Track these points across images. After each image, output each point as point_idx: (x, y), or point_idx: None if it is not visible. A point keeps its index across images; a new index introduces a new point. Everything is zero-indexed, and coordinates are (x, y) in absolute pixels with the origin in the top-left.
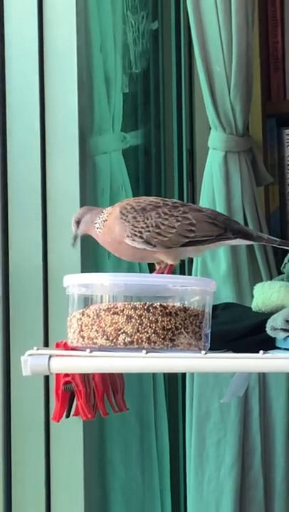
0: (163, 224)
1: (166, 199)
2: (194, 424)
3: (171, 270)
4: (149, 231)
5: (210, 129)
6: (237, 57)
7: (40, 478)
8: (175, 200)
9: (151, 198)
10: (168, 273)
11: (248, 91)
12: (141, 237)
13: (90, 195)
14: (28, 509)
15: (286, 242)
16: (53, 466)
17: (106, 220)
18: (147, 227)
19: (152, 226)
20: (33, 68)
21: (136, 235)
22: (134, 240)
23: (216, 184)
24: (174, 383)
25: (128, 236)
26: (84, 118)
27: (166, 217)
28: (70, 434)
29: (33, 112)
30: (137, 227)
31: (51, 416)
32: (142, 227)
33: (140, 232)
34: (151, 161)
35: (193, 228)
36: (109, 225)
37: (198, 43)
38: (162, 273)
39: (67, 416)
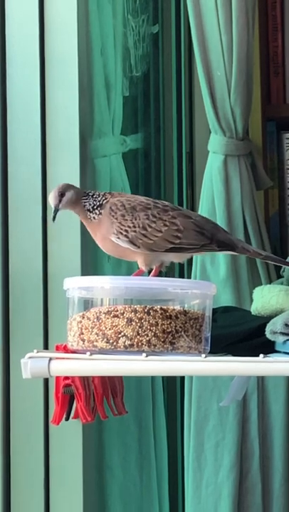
0: (150, 226)
1: (157, 201)
2: (193, 427)
3: (141, 274)
4: (135, 231)
5: (210, 132)
6: (237, 61)
7: (40, 480)
8: (166, 203)
9: (142, 198)
10: (136, 275)
11: (248, 95)
12: (126, 236)
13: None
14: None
15: (271, 256)
16: (52, 469)
17: (101, 214)
18: (134, 227)
19: (139, 227)
20: (34, 72)
21: (121, 233)
22: (118, 238)
23: (216, 188)
24: (173, 386)
25: (114, 233)
26: (84, 121)
27: (154, 219)
28: (70, 437)
29: (34, 115)
30: (123, 225)
31: (51, 419)
32: (129, 227)
33: (126, 231)
34: (151, 164)
35: (179, 235)
36: (101, 219)
37: (198, 46)
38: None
39: (67, 419)
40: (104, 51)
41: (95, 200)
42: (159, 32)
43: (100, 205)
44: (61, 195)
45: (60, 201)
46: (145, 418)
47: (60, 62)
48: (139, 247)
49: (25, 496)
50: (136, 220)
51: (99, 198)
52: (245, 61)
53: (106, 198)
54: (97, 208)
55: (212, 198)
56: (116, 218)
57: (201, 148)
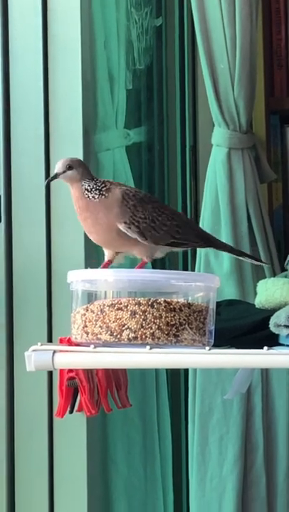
0: (157, 219)
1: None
2: (197, 420)
3: (143, 266)
4: (146, 223)
5: (213, 125)
6: (240, 54)
7: (44, 474)
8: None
9: (142, 191)
10: (139, 267)
11: (251, 88)
12: (137, 227)
13: None
14: (31, 505)
15: (244, 253)
16: (57, 462)
17: (106, 196)
18: (145, 218)
19: (149, 219)
20: (37, 65)
21: (133, 224)
22: (129, 228)
23: (219, 181)
24: (177, 380)
25: (125, 223)
26: (88, 114)
27: (160, 213)
28: (74, 430)
29: (37, 108)
30: (136, 216)
31: (55, 412)
32: (140, 218)
33: (138, 221)
34: (155, 157)
35: (179, 230)
36: (107, 203)
37: (201, 39)
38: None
39: (71, 412)
40: (107, 44)
41: (96, 184)
42: (162, 25)
43: (101, 188)
44: (69, 167)
45: (63, 172)
46: (149, 411)
47: (63, 56)
48: (146, 239)
49: (29, 489)
50: (146, 211)
51: (99, 183)
52: (248, 54)
53: (106, 185)
54: (97, 190)
55: (216, 192)
56: (129, 208)
57: (205, 141)
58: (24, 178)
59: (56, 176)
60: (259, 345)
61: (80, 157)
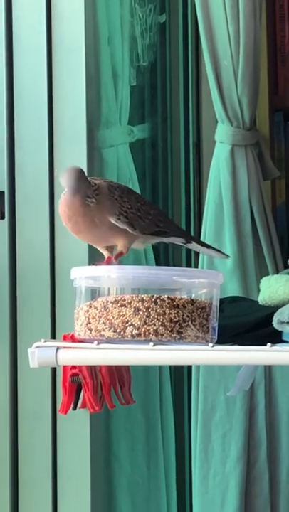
0: (142, 209)
1: None
2: (200, 417)
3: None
4: (132, 213)
5: (217, 122)
6: (244, 51)
7: (47, 471)
8: None
9: (122, 184)
10: (116, 259)
11: (255, 85)
12: (126, 217)
13: None
14: (34, 502)
15: (212, 247)
16: (60, 459)
17: (97, 194)
18: (131, 208)
19: (134, 208)
20: (41, 61)
21: (122, 214)
22: (119, 219)
23: (223, 178)
24: (180, 377)
25: (115, 214)
26: (91, 111)
27: (142, 202)
28: (77, 426)
29: (41, 105)
30: (124, 206)
31: (58, 408)
32: (128, 208)
33: (126, 212)
34: (158, 154)
35: (161, 218)
36: (99, 201)
37: (205, 36)
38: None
39: (74, 408)
40: (111, 41)
41: (93, 187)
42: (166, 21)
43: (94, 191)
44: (80, 179)
45: (79, 187)
46: (152, 408)
47: (67, 52)
48: (135, 229)
49: (33, 486)
50: (131, 202)
51: (92, 187)
52: (252, 50)
53: (95, 185)
54: (92, 194)
55: (219, 189)
56: (116, 199)
57: (208, 138)
58: (28, 175)
59: (76, 191)
60: (262, 342)
61: (84, 153)
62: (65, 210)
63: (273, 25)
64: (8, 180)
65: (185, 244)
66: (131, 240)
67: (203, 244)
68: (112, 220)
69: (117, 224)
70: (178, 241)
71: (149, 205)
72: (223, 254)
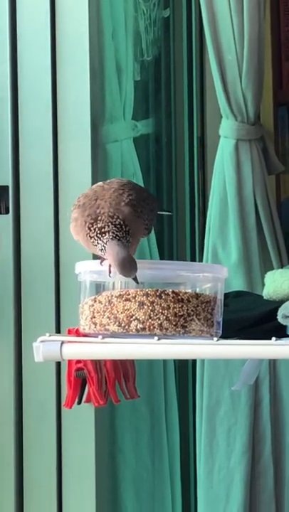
0: (151, 208)
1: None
2: (205, 412)
3: None
4: (150, 219)
5: (221, 117)
6: (248, 46)
7: (52, 465)
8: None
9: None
10: None
11: (259, 79)
12: (148, 229)
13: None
14: (39, 496)
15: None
16: (65, 453)
17: (130, 232)
18: (148, 215)
19: (148, 213)
20: (45, 56)
21: (146, 229)
22: (144, 234)
23: (227, 172)
24: (185, 371)
25: (144, 234)
26: (96, 106)
27: (146, 198)
28: (82, 420)
29: (45, 100)
30: (145, 220)
31: (63, 402)
32: (147, 219)
33: (147, 224)
34: (163, 149)
35: (155, 204)
36: (133, 233)
37: (209, 30)
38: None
39: (79, 402)
40: (115, 35)
41: (122, 229)
42: (170, 16)
43: (126, 231)
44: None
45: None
46: (157, 403)
47: (71, 47)
48: (150, 232)
49: (37, 480)
50: (145, 208)
51: (122, 227)
52: (256, 45)
53: (119, 217)
54: (125, 234)
55: (223, 183)
56: (140, 217)
57: (213, 133)
58: (32, 170)
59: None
60: (267, 337)
61: (88, 149)
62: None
63: (277, 19)
64: (13, 174)
65: None
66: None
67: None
68: (141, 237)
69: (144, 236)
70: None
71: (148, 195)
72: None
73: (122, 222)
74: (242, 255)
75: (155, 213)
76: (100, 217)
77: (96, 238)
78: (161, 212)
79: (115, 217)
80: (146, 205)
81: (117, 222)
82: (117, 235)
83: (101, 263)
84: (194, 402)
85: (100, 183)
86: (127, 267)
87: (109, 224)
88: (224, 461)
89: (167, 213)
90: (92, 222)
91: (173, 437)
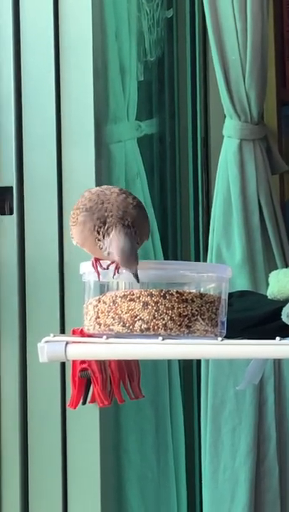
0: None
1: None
2: (209, 412)
3: None
4: (149, 225)
5: (224, 117)
6: (252, 45)
7: (57, 465)
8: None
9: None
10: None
11: (262, 79)
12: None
13: (106, 184)
14: (44, 496)
15: None
16: (70, 453)
17: (138, 234)
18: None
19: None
20: (48, 57)
21: (149, 231)
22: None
23: (231, 172)
24: (189, 371)
25: (148, 235)
26: (99, 106)
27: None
28: (87, 421)
29: (49, 100)
30: (149, 223)
31: (68, 403)
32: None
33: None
34: (166, 149)
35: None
36: (141, 235)
37: (213, 30)
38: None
39: (84, 403)
40: (118, 36)
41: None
42: (173, 16)
43: (134, 232)
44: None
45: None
46: (162, 403)
47: (74, 47)
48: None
49: (43, 480)
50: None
51: (134, 229)
52: (259, 45)
53: (128, 219)
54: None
55: (227, 183)
56: (148, 221)
57: (216, 132)
58: (36, 171)
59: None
60: (271, 336)
61: (92, 149)
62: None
63: (281, 19)
64: (17, 175)
65: None
66: None
67: None
68: (145, 240)
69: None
70: None
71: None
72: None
73: (130, 224)
74: (246, 255)
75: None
76: (108, 220)
77: (103, 240)
78: None
79: (124, 218)
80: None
81: (126, 224)
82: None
83: (107, 268)
84: (199, 402)
85: (95, 188)
86: (131, 257)
87: (118, 224)
88: (229, 461)
89: None
90: (100, 225)
91: (178, 437)
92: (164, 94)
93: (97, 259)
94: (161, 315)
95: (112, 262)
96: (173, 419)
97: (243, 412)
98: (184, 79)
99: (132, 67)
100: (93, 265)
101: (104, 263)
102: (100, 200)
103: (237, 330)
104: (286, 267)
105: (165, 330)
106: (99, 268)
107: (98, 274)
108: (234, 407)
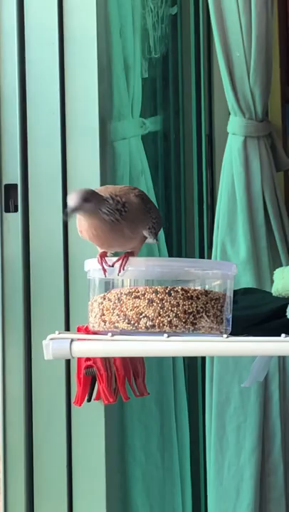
0: (157, 216)
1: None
2: (214, 409)
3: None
4: (157, 222)
5: (229, 114)
6: (256, 42)
7: (62, 462)
8: None
9: (128, 186)
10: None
11: (267, 76)
12: (154, 229)
13: (110, 181)
14: (49, 493)
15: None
16: (75, 451)
17: (126, 211)
18: (155, 218)
19: (157, 218)
20: (53, 54)
21: (153, 227)
22: (151, 232)
23: (236, 169)
24: (194, 368)
25: (149, 228)
26: (104, 104)
27: (154, 208)
28: (92, 418)
29: (54, 98)
30: (153, 218)
31: (73, 400)
32: (154, 219)
33: (154, 223)
34: (171, 146)
35: (159, 216)
36: (130, 217)
37: (217, 27)
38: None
39: (89, 400)
40: (123, 33)
41: (111, 205)
42: (177, 13)
43: (118, 207)
44: (85, 200)
45: (83, 203)
46: (166, 400)
47: (79, 45)
48: (156, 237)
49: (48, 477)
50: (154, 211)
51: (113, 202)
52: (264, 42)
53: (121, 199)
54: (116, 210)
55: (232, 180)
56: (148, 212)
57: (221, 129)
58: (41, 168)
59: (75, 210)
60: (276, 334)
61: (97, 146)
62: (89, 229)
63: (285, 16)
64: (21, 173)
65: None
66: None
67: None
68: (146, 233)
69: (148, 236)
70: None
71: (154, 206)
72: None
73: (120, 200)
74: (251, 252)
75: (160, 224)
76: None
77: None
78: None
79: (118, 197)
80: (154, 209)
81: (117, 200)
82: (108, 209)
83: (112, 265)
84: (204, 399)
85: (104, 187)
86: (78, 197)
87: (109, 200)
88: (234, 458)
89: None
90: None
91: (183, 434)
92: (168, 91)
93: (102, 256)
94: (166, 312)
95: (118, 259)
96: (178, 416)
97: (247, 409)
98: (189, 76)
99: (137, 64)
100: (99, 262)
101: (110, 260)
102: (107, 191)
103: (242, 327)
104: None
105: (170, 327)
106: (105, 266)
107: (104, 270)
108: (239, 404)
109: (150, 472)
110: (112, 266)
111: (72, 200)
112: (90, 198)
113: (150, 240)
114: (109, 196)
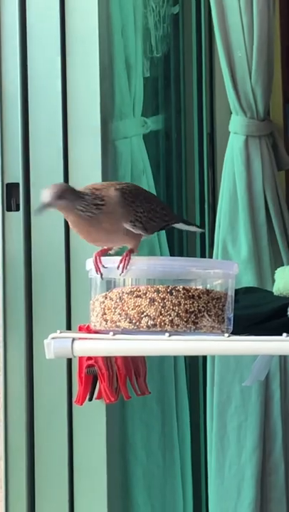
0: (152, 209)
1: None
2: (215, 408)
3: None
4: (145, 216)
5: (231, 113)
6: (258, 42)
7: (64, 461)
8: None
9: (129, 183)
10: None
11: (268, 75)
12: (141, 223)
13: (111, 180)
14: (51, 491)
15: (192, 223)
16: (76, 449)
17: (104, 204)
18: (144, 212)
19: (146, 211)
20: (55, 53)
21: (137, 221)
22: (134, 225)
23: (237, 168)
24: (195, 367)
25: (131, 221)
26: (105, 103)
27: (150, 200)
28: (93, 417)
29: (56, 97)
30: (138, 212)
31: (74, 399)
32: (141, 213)
33: (140, 217)
34: (172, 145)
35: (165, 212)
36: (108, 209)
37: (219, 27)
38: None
39: (90, 399)
40: (124, 32)
41: (87, 201)
42: (179, 12)
43: (95, 201)
44: (59, 197)
45: (57, 200)
46: (168, 399)
47: (81, 44)
48: (148, 232)
49: (49, 476)
50: (142, 205)
51: (90, 197)
52: (265, 41)
53: (98, 194)
54: (92, 205)
55: (233, 179)
56: (130, 205)
57: (222, 129)
58: (42, 167)
59: (47, 206)
60: (277, 333)
61: (98, 145)
62: (71, 226)
63: (287, 15)
64: (23, 172)
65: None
66: (141, 238)
67: (188, 222)
68: (128, 227)
69: (133, 230)
70: (175, 225)
71: (155, 200)
72: (199, 227)
73: (98, 195)
74: (252, 251)
75: (159, 217)
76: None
77: None
78: (188, 228)
79: (98, 191)
80: (146, 203)
81: (96, 194)
82: (83, 205)
83: (118, 266)
84: (205, 399)
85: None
86: (53, 191)
87: (86, 196)
88: (235, 457)
89: (196, 229)
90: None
91: (184, 433)
92: (170, 91)
93: (99, 255)
94: (167, 311)
95: (121, 260)
96: (179, 415)
97: (249, 408)
98: (190, 75)
99: (138, 64)
100: (94, 262)
101: (109, 260)
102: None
103: (243, 326)
104: None
105: (172, 326)
106: (100, 266)
107: (100, 271)
108: (240, 403)
109: (151, 471)
110: (106, 267)
111: (46, 196)
112: (63, 194)
113: (140, 232)
114: (88, 191)
